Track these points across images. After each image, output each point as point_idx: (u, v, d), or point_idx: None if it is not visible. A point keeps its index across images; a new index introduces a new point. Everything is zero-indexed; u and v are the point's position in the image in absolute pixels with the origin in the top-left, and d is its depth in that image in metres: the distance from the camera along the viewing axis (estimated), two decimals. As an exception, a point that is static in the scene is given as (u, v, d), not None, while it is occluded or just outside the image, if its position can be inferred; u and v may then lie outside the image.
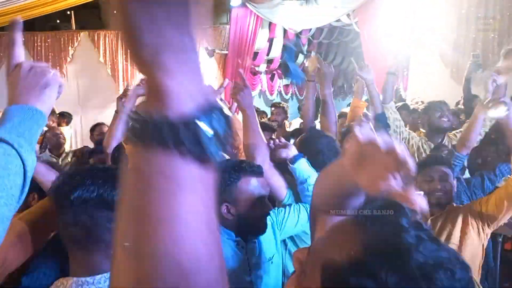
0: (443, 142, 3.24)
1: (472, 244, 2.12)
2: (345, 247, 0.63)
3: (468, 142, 2.73)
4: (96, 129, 4.65)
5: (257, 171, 1.69)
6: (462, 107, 4.59)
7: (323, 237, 0.72)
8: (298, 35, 9.89)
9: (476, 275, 2.11)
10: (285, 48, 8.65)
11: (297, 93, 12.17)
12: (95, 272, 1.01)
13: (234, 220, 1.65)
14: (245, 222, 1.66)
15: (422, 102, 5.59)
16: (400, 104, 4.83)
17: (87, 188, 1.01)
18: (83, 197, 1.00)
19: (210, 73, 8.29)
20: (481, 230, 2.13)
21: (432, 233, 0.64)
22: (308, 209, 1.75)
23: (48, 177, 1.61)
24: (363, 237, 0.63)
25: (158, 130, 0.42)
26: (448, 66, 6.45)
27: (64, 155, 4.45)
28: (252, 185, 1.65)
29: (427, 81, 6.52)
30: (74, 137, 7.46)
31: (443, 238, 2.13)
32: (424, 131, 3.59)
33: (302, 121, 7.13)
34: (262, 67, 9.93)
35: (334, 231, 0.71)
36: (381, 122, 2.91)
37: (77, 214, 1.00)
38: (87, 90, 8.19)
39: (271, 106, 5.60)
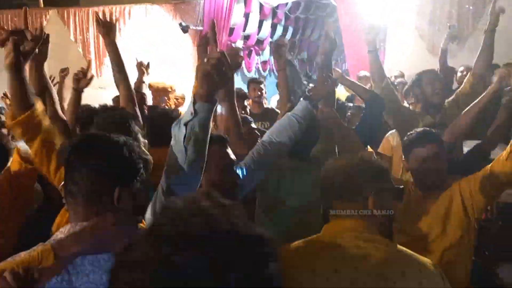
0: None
1: (467, 220, 2.07)
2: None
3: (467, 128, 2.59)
4: None
5: (222, 140, 1.88)
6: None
7: None
8: (274, 9, 9.75)
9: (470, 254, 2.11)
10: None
11: (275, 69, 12.08)
12: (86, 219, 1.26)
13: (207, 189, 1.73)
14: (218, 190, 1.70)
15: (402, 76, 5.57)
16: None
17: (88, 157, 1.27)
18: (83, 163, 1.27)
19: (185, 49, 8.11)
20: (474, 205, 2.06)
21: None
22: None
23: None
24: None
25: None
26: (424, 38, 6.47)
27: None
28: (219, 152, 1.83)
29: (403, 53, 6.53)
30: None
31: (442, 218, 2.07)
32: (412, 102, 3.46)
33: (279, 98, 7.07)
34: (239, 43, 9.78)
35: None
36: (375, 103, 2.81)
37: (75, 175, 1.27)
38: (58, 71, 7.94)
39: (249, 82, 5.47)
